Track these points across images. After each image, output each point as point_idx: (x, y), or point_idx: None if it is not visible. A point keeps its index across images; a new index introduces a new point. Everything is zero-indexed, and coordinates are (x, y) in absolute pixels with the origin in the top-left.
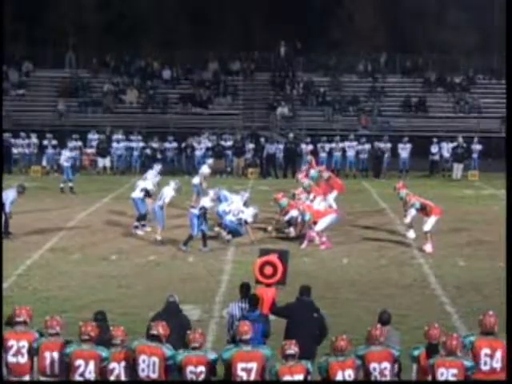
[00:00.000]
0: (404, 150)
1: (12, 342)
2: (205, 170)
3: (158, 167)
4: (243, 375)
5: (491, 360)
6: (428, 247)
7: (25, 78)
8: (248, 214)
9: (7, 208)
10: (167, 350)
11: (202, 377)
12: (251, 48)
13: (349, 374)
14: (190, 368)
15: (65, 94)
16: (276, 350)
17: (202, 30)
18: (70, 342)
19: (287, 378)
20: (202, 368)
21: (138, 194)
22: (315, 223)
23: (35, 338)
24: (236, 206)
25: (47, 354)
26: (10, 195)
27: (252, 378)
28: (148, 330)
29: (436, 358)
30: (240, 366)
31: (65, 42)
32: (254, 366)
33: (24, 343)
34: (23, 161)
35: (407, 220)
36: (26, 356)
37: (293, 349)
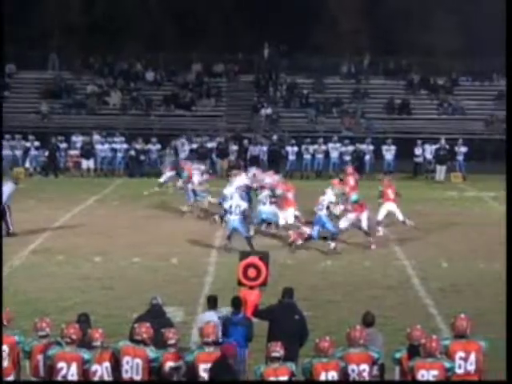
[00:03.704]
0: (388, 152)
1: None
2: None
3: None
4: (206, 376)
5: (465, 363)
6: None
7: (8, 80)
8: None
9: (5, 200)
10: (151, 353)
11: (181, 371)
12: (235, 50)
13: (332, 376)
14: (168, 363)
15: (48, 96)
16: (260, 352)
17: (186, 32)
18: (59, 343)
19: (272, 379)
20: (180, 363)
21: None
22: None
23: (15, 341)
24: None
25: (40, 357)
26: (6, 190)
27: None
28: (131, 333)
29: (416, 359)
30: (202, 366)
31: (48, 44)
32: None
33: (4, 347)
34: (6, 162)
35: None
36: (7, 360)
37: (278, 351)
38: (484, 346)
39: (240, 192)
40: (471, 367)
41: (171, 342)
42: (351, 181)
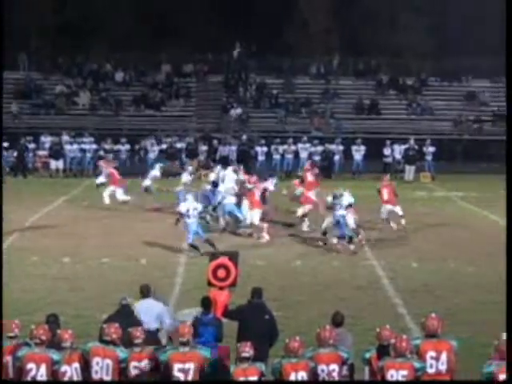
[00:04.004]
0: (358, 152)
1: None
2: (155, 173)
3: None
4: (180, 376)
5: (437, 362)
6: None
7: None
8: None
9: None
10: (121, 353)
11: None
12: (204, 50)
13: (302, 376)
14: (133, 364)
15: (18, 96)
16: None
17: (156, 32)
18: (28, 344)
19: (241, 379)
20: (145, 362)
21: None
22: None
23: None
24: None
25: (9, 358)
26: None
27: (190, 378)
28: (101, 334)
29: (386, 359)
30: (177, 366)
31: (18, 44)
32: (191, 366)
33: None
34: None
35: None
36: None
37: (248, 351)
38: (455, 346)
39: (195, 193)
40: (442, 367)
41: (138, 341)
42: (309, 177)
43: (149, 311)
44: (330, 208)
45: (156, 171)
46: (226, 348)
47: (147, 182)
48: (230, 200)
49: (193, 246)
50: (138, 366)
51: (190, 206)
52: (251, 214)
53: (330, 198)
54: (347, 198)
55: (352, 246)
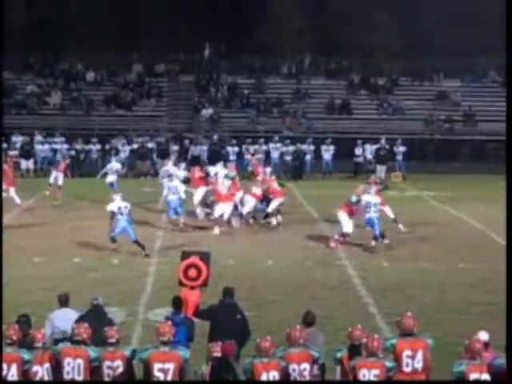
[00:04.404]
0: (327, 152)
1: None
2: (116, 165)
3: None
4: (160, 376)
5: (413, 361)
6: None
7: None
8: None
9: None
10: (92, 352)
11: (118, 371)
12: (176, 50)
13: (273, 376)
14: (107, 363)
15: None
16: (201, 352)
17: (127, 32)
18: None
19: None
20: (118, 362)
21: None
22: None
23: None
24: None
25: None
26: None
27: (169, 378)
28: (71, 334)
29: (358, 359)
30: (157, 366)
31: None
32: (170, 366)
33: None
34: None
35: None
36: None
37: (219, 351)
38: (431, 344)
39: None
40: (418, 365)
41: (112, 340)
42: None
43: (64, 319)
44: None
45: (116, 164)
46: (233, 345)
47: (111, 178)
48: (175, 196)
49: (112, 240)
50: (111, 365)
51: (121, 204)
52: (221, 207)
53: (354, 198)
54: (373, 198)
55: (374, 243)
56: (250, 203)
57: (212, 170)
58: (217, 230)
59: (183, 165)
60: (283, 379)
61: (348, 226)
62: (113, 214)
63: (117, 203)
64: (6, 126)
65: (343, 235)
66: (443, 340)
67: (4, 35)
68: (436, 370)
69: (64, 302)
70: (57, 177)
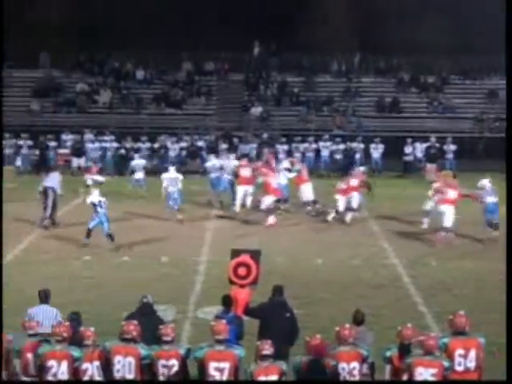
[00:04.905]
0: (376, 151)
1: None
2: (140, 162)
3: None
4: (216, 374)
5: (465, 360)
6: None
7: None
8: None
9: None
10: (142, 350)
11: (173, 370)
12: (225, 48)
13: None
14: (161, 362)
15: (39, 94)
16: (250, 350)
17: (176, 30)
18: (48, 341)
19: (262, 378)
20: (173, 361)
21: None
22: None
23: (8, 340)
24: None
25: (30, 356)
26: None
27: (225, 377)
28: (120, 332)
29: (414, 356)
30: (213, 365)
31: (38, 41)
32: (226, 365)
33: None
34: None
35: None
36: None
37: (268, 349)
38: (483, 343)
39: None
40: (471, 364)
41: (167, 338)
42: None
43: (45, 317)
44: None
45: (140, 160)
46: (322, 346)
47: (139, 175)
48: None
49: (88, 232)
50: (166, 364)
51: (100, 198)
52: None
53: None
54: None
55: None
56: (355, 199)
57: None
58: (271, 220)
59: (232, 156)
60: (332, 378)
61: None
62: (94, 206)
63: (96, 196)
64: (55, 124)
65: (446, 230)
66: (488, 339)
67: (53, 33)
68: (491, 369)
69: (44, 298)
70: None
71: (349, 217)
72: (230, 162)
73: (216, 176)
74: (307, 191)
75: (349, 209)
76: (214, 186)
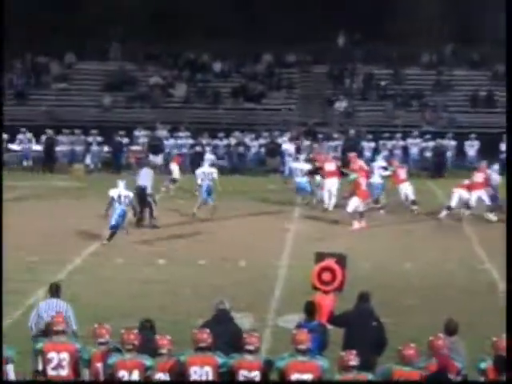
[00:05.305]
0: (471, 148)
1: (52, 355)
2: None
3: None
4: None
5: None
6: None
7: (67, 71)
8: None
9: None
10: (219, 358)
11: (256, 381)
12: (307, 39)
13: None
14: (243, 372)
15: (109, 88)
16: (334, 361)
17: (255, 20)
18: (118, 349)
19: None
20: (256, 372)
21: None
22: None
23: (75, 349)
24: None
25: (99, 365)
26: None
27: None
28: (195, 341)
29: None
30: (295, 376)
31: (109, 33)
32: (309, 377)
33: (64, 355)
34: (65, 159)
35: None
36: (66, 369)
37: (354, 360)
38: None
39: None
40: None
41: (251, 348)
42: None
43: (50, 310)
44: None
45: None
46: (451, 363)
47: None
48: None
49: (111, 234)
50: (248, 375)
51: (122, 192)
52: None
53: None
54: None
55: None
56: (478, 197)
57: None
58: (356, 225)
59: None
60: None
61: None
62: (112, 200)
63: (119, 190)
64: (127, 119)
65: None
66: None
67: (124, 23)
68: None
69: (55, 291)
70: (173, 170)
71: (443, 214)
72: (302, 164)
73: (300, 180)
74: (405, 191)
75: (467, 206)
76: (301, 191)
